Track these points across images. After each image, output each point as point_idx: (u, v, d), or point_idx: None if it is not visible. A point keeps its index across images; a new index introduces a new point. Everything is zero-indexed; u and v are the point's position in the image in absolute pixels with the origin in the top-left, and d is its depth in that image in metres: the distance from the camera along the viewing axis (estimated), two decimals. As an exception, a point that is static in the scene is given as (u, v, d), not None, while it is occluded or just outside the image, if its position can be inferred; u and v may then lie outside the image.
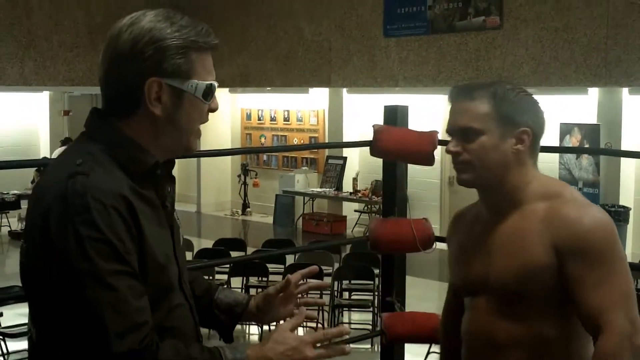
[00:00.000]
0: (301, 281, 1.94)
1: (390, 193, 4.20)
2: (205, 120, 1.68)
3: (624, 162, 10.37)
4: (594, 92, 10.60)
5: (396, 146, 3.83)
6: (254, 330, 7.53)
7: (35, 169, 13.03)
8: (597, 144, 10.24)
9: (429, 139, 3.75)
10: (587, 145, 10.45)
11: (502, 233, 2.10)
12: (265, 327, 7.23)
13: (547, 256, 2.01)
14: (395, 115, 4.12)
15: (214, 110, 1.69)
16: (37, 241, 1.53)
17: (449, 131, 2.15)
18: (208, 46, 1.64)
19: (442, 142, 4.62)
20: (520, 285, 2.04)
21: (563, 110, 11.12)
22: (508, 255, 2.07)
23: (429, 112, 11.97)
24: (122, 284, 1.49)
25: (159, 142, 1.64)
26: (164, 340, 1.55)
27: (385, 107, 4.17)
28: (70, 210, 1.49)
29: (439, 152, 3.79)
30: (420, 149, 3.78)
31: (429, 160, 3.77)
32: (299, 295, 1.94)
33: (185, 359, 1.53)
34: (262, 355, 1.60)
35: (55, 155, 13.96)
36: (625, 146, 10.18)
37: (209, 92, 1.65)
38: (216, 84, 1.67)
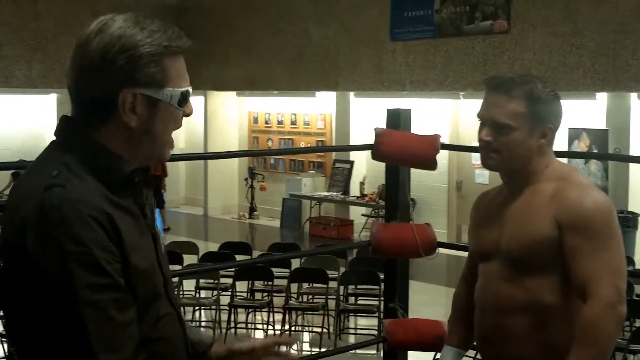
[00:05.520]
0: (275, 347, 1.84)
1: (393, 198, 4.16)
2: (179, 126, 1.63)
3: (633, 167, 10.27)
4: (602, 97, 10.52)
5: (398, 150, 3.79)
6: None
7: (11, 172, 12.94)
8: (605, 149, 10.17)
9: (432, 143, 3.71)
10: (595, 151, 10.39)
11: (516, 207, 2.39)
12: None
13: (550, 229, 2.28)
14: (398, 119, 4.08)
15: (188, 115, 1.64)
16: (13, 259, 1.47)
17: (482, 119, 2.38)
18: (180, 50, 1.59)
19: (446, 147, 4.60)
20: (524, 251, 2.31)
21: (571, 115, 11.05)
22: (518, 225, 2.35)
23: (437, 116, 11.95)
24: (106, 299, 1.44)
25: (133, 151, 1.58)
26: (153, 352, 1.52)
27: (388, 110, 4.13)
28: (49, 224, 1.43)
29: (446, 157, 3.78)
30: (422, 153, 3.74)
31: (431, 165, 3.73)
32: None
33: None
34: None
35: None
36: (633, 151, 10.09)
37: (184, 99, 1.60)
38: (190, 90, 1.63)
